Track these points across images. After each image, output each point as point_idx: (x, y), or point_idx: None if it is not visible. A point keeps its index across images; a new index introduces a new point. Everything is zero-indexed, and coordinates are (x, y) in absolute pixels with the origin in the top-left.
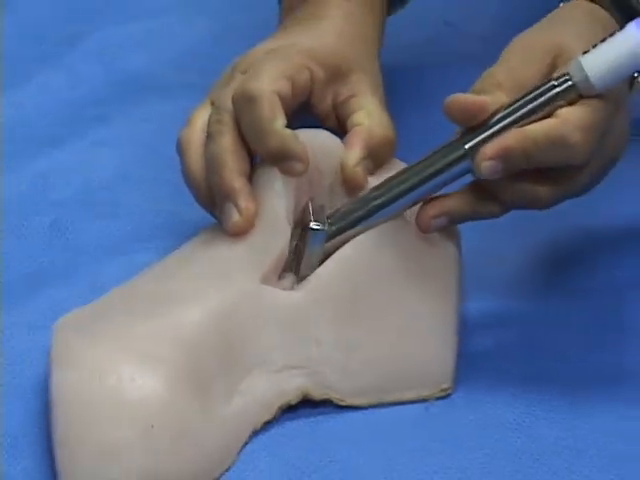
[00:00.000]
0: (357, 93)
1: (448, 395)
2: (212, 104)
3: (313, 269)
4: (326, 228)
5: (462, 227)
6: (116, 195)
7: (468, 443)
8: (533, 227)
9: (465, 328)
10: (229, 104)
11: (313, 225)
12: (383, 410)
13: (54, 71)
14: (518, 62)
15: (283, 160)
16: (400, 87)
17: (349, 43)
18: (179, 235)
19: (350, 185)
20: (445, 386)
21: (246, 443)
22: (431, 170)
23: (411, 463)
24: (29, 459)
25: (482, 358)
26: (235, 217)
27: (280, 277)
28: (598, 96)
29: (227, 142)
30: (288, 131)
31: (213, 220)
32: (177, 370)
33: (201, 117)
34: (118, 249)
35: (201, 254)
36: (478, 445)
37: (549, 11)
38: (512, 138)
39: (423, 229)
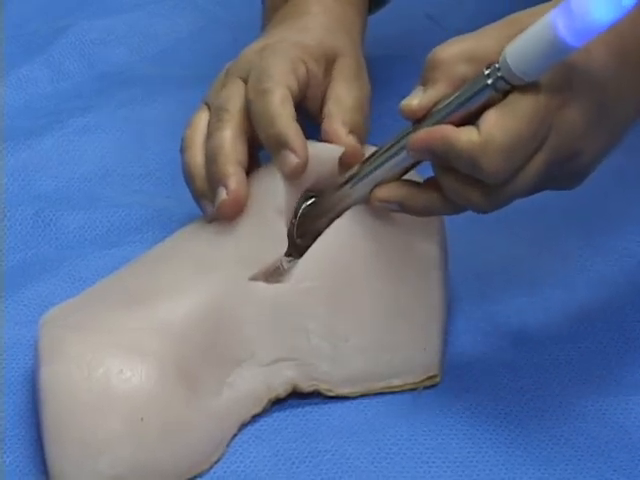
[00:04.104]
0: (333, 78)
1: (436, 384)
2: (208, 107)
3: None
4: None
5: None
6: (99, 188)
7: (456, 433)
8: (524, 217)
9: (453, 318)
10: (227, 105)
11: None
12: (371, 400)
13: (36, 65)
14: (493, 35)
15: (280, 147)
16: (376, 78)
17: (333, 34)
18: (163, 229)
19: (351, 156)
20: (432, 373)
21: (235, 435)
22: (382, 158)
23: (400, 452)
24: (18, 452)
25: (470, 348)
26: (222, 197)
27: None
28: (533, 86)
29: (226, 134)
30: (294, 122)
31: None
32: (165, 362)
33: (202, 118)
34: (103, 242)
35: (191, 247)
36: (466, 435)
37: (530, 6)
38: (439, 139)
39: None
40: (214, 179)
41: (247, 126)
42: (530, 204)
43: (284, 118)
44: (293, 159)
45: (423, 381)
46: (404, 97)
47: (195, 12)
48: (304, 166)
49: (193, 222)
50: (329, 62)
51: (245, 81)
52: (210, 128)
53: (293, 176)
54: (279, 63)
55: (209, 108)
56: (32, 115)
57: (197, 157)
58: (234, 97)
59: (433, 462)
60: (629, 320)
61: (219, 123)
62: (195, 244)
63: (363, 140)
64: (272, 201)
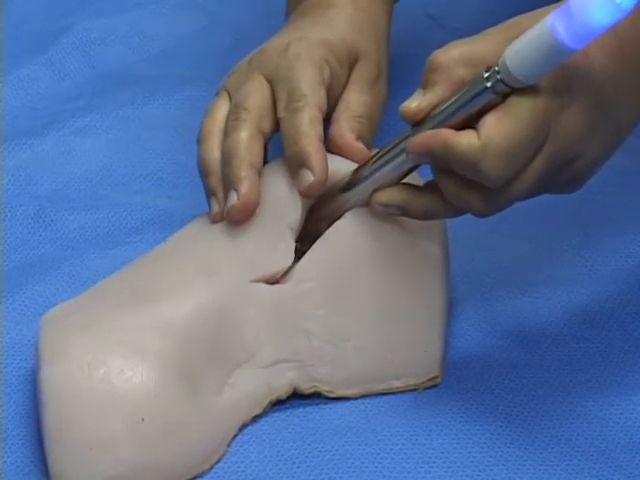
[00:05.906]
0: (349, 82)
1: (436, 384)
2: (228, 94)
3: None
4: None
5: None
6: (99, 188)
7: (456, 433)
8: (525, 218)
9: (453, 318)
10: (246, 102)
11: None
12: (372, 400)
13: (36, 64)
14: (493, 39)
15: (301, 165)
16: None
17: (358, 30)
18: (164, 229)
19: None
20: (433, 375)
21: (235, 435)
22: (382, 162)
23: (400, 452)
24: (18, 452)
25: (470, 348)
26: (233, 201)
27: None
28: (532, 89)
29: (242, 135)
30: (318, 142)
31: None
32: (166, 362)
33: (221, 108)
34: (103, 242)
35: (193, 248)
36: (467, 435)
37: (532, 7)
38: (438, 143)
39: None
40: (226, 181)
41: (265, 125)
42: (531, 205)
43: (309, 138)
44: (310, 178)
45: (424, 382)
46: (406, 97)
47: (196, 12)
48: (322, 186)
49: (194, 221)
50: (352, 63)
51: (268, 79)
52: (228, 126)
53: (308, 194)
54: (307, 73)
55: (229, 95)
56: (32, 115)
57: (213, 152)
58: (254, 95)
59: (433, 462)
60: (630, 320)
61: (237, 122)
62: (198, 245)
63: (369, 148)
64: (287, 216)
